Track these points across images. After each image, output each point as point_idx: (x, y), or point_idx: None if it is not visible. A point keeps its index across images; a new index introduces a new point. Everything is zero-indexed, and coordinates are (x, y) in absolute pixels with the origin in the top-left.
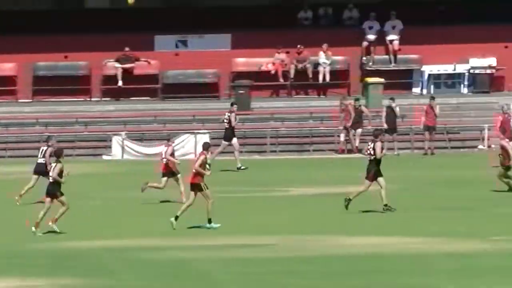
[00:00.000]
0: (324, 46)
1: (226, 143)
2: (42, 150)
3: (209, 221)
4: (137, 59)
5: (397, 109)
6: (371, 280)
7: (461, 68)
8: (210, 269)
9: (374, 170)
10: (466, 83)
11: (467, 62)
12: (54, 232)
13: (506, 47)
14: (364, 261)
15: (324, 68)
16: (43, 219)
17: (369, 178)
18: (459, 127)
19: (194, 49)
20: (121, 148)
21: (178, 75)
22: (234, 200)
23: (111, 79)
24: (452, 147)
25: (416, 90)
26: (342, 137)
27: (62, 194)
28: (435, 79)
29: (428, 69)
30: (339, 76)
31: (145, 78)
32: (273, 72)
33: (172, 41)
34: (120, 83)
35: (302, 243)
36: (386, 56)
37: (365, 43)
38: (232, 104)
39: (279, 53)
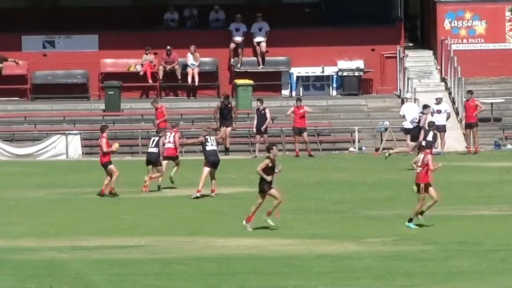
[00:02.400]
0: (192, 47)
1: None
2: (154, 139)
3: None
4: (5, 59)
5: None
6: (245, 282)
7: (329, 70)
8: (86, 270)
9: None
10: (334, 85)
11: (335, 64)
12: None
13: (373, 50)
14: (237, 262)
15: (193, 69)
16: (255, 213)
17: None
18: (329, 129)
19: (61, 49)
20: None
21: (47, 76)
22: (108, 201)
23: None
24: (323, 149)
25: (285, 92)
26: None
27: (270, 188)
28: (304, 81)
29: (297, 71)
30: (208, 78)
31: (14, 79)
32: (142, 73)
33: (39, 41)
34: None
35: (176, 244)
36: (254, 58)
37: (232, 45)
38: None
39: (147, 54)
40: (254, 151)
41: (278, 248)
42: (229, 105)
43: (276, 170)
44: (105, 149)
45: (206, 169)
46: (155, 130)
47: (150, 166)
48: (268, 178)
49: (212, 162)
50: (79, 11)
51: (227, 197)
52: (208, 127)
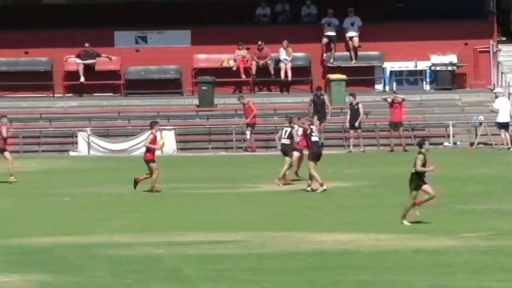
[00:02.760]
0: (285, 42)
1: None
2: (286, 130)
3: None
4: (98, 55)
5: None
6: (341, 276)
7: (422, 65)
8: (182, 266)
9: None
10: (428, 80)
11: (428, 59)
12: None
13: (466, 44)
14: (333, 257)
15: (286, 64)
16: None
17: None
18: (423, 124)
19: (154, 45)
20: (87, 144)
21: (140, 71)
22: (203, 196)
23: (73, 75)
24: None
25: (378, 87)
26: (249, 135)
27: (424, 183)
28: (397, 76)
29: (390, 66)
30: (301, 73)
31: (107, 74)
32: (235, 68)
33: (131, 37)
34: (82, 79)
35: (271, 239)
36: (347, 53)
37: (324, 40)
38: None
39: (240, 49)
40: (348, 146)
41: (374, 243)
42: (322, 97)
43: (430, 168)
44: (147, 144)
45: (311, 163)
46: (244, 125)
47: (287, 158)
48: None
49: (317, 153)
50: (172, 6)
51: (322, 191)
52: (310, 117)
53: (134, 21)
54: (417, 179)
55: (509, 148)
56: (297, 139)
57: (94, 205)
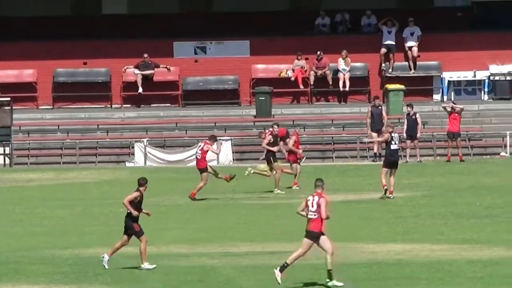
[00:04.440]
0: (343, 52)
1: None
2: None
3: None
4: (157, 66)
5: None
6: (395, 287)
7: (481, 74)
8: (236, 276)
9: None
10: (486, 89)
11: (487, 68)
12: None
13: None
14: (387, 267)
15: (344, 74)
16: None
17: None
18: (481, 134)
19: (213, 55)
20: (143, 155)
21: (198, 82)
22: (259, 206)
23: (131, 85)
24: (474, 154)
25: (436, 97)
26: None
27: None
28: (455, 85)
29: (448, 76)
30: (359, 83)
31: (165, 85)
32: (293, 78)
33: (191, 47)
34: (140, 89)
35: None
36: (405, 63)
37: (383, 50)
38: None
39: (298, 59)
40: (404, 156)
41: (429, 253)
42: (380, 107)
43: None
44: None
45: (384, 170)
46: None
47: None
48: None
49: (391, 161)
50: (231, 16)
51: (378, 202)
52: (392, 124)
53: (193, 32)
54: None
55: None
56: None
57: (151, 215)
